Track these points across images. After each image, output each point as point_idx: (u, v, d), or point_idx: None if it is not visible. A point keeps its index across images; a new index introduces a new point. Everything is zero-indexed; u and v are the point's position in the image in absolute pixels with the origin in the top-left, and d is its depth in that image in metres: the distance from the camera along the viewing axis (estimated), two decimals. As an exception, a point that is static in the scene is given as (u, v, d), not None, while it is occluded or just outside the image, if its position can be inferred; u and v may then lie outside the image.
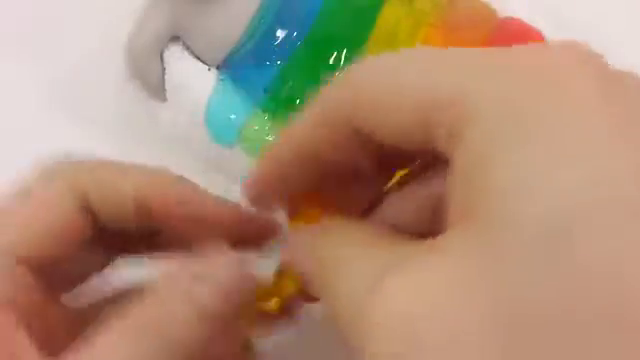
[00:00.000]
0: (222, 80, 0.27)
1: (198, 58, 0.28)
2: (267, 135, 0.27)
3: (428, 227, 0.17)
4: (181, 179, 0.20)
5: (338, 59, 0.27)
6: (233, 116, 0.27)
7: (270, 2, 0.27)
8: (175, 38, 0.27)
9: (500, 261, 0.12)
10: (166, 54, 0.27)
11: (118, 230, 0.19)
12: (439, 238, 0.14)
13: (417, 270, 0.14)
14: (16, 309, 0.17)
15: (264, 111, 0.27)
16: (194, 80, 0.27)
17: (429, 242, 0.14)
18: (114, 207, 0.18)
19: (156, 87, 0.28)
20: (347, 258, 0.16)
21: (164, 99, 0.28)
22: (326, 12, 0.28)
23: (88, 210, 0.18)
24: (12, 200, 0.19)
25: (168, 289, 0.17)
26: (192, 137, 0.28)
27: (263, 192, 0.19)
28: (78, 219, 0.18)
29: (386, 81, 0.15)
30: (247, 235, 0.20)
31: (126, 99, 0.30)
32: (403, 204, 0.18)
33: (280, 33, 0.27)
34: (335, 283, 0.16)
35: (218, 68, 0.28)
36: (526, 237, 0.12)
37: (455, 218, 0.14)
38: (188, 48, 0.28)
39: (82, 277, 0.20)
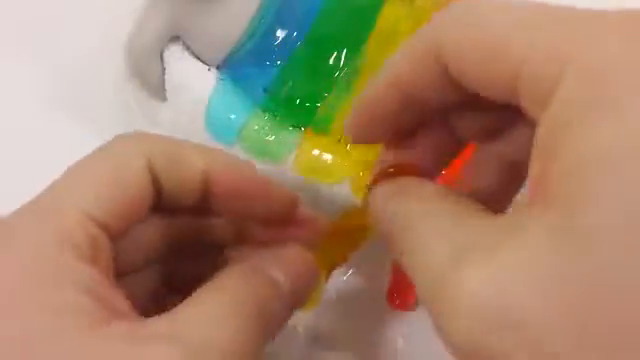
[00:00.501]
0: (222, 80, 0.27)
1: (198, 58, 0.28)
2: (267, 135, 0.27)
3: (506, 189, 0.17)
4: (247, 163, 0.20)
5: (338, 59, 0.27)
6: (233, 116, 0.27)
7: (270, 2, 0.27)
8: (175, 38, 0.27)
9: (586, 250, 0.12)
10: (166, 54, 0.27)
11: (174, 208, 0.19)
12: (521, 216, 0.14)
13: (499, 252, 0.13)
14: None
15: (264, 111, 0.27)
16: (194, 80, 0.27)
17: (511, 220, 0.14)
18: (181, 180, 0.19)
19: (156, 87, 0.28)
20: (428, 228, 0.15)
21: (164, 99, 0.28)
22: (326, 12, 0.28)
23: (156, 181, 0.19)
24: (92, 158, 0.19)
25: (253, 273, 0.18)
26: (192, 137, 0.28)
27: (363, 128, 0.19)
28: (148, 189, 0.18)
29: (480, 27, 0.15)
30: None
31: (126, 99, 0.31)
32: (483, 165, 0.18)
33: (280, 33, 0.27)
34: (416, 251, 0.15)
35: (218, 68, 0.28)
36: (615, 223, 0.12)
37: (536, 194, 0.13)
38: (188, 48, 0.28)
39: (135, 264, 0.20)
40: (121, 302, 0.17)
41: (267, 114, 0.27)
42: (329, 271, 0.27)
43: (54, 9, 0.34)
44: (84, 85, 0.33)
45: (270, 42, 0.27)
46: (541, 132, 0.13)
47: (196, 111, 0.27)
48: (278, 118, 0.27)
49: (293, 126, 0.27)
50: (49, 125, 0.32)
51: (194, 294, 0.18)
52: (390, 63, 0.18)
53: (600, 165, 0.12)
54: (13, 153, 0.32)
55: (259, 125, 0.27)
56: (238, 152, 0.27)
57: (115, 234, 0.18)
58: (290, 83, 0.27)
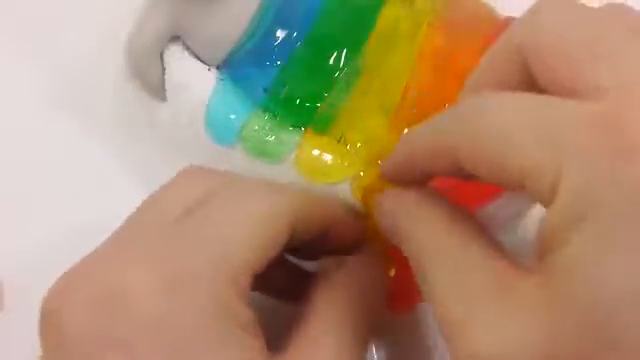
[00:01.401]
0: (222, 80, 0.27)
1: (198, 58, 0.28)
2: (267, 135, 0.27)
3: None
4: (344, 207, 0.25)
5: (338, 59, 0.27)
6: (233, 116, 0.27)
7: (270, 2, 0.27)
8: (175, 38, 0.27)
9: (580, 334, 0.14)
10: (166, 54, 0.27)
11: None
12: (525, 279, 0.16)
13: (501, 316, 0.15)
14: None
15: (264, 111, 0.27)
16: (194, 80, 0.27)
17: (511, 283, 0.16)
18: (307, 228, 0.22)
19: (156, 87, 0.28)
20: (443, 277, 0.18)
21: (164, 99, 0.28)
22: (326, 12, 0.28)
23: (290, 238, 0.21)
24: (258, 209, 0.21)
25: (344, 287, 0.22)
26: (192, 137, 0.28)
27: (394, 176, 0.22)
28: (286, 239, 0.21)
29: (500, 138, 0.16)
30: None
31: (126, 99, 0.31)
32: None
33: (280, 33, 0.27)
34: (432, 297, 0.18)
35: (218, 68, 0.28)
36: (585, 318, 0.14)
37: (539, 263, 0.15)
38: (188, 48, 0.28)
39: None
40: (263, 338, 0.20)
41: (267, 114, 0.27)
42: None
43: (54, 9, 0.34)
44: (84, 85, 0.33)
45: (270, 42, 0.27)
46: (545, 225, 0.15)
47: (196, 111, 0.27)
48: (278, 118, 0.27)
49: (293, 126, 0.27)
50: (49, 125, 0.32)
51: (307, 328, 0.21)
52: (406, 143, 0.21)
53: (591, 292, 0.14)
54: (13, 153, 0.32)
55: (259, 125, 0.27)
56: (238, 152, 0.27)
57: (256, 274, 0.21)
58: (290, 83, 0.27)
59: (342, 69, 0.27)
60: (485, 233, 0.18)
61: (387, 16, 0.28)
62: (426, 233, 0.19)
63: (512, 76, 0.18)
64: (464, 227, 0.18)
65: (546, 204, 0.15)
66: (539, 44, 0.17)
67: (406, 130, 0.27)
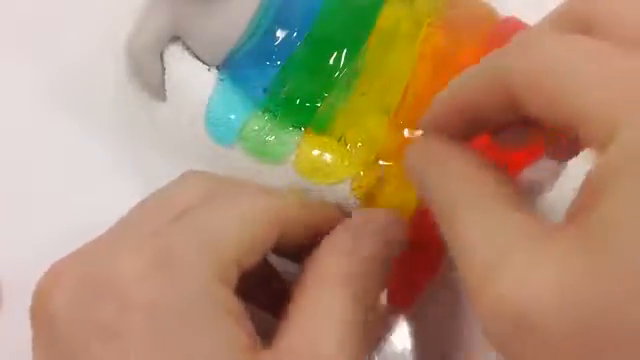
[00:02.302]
0: (222, 80, 0.27)
1: (198, 58, 0.28)
2: (267, 135, 0.27)
3: None
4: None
5: (338, 59, 0.27)
6: (233, 116, 0.27)
7: (270, 2, 0.27)
8: (175, 38, 0.27)
9: (613, 275, 0.13)
10: (166, 54, 0.27)
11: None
12: (560, 230, 0.15)
13: (533, 261, 0.15)
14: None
15: (264, 111, 0.27)
16: (194, 80, 0.27)
17: (546, 231, 0.15)
18: (297, 232, 0.22)
19: (156, 87, 0.28)
20: (474, 228, 0.17)
21: (164, 99, 0.28)
22: (326, 12, 0.28)
23: (283, 231, 0.22)
24: (250, 203, 0.22)
25: (345, 251, 0.21)
26: (192, 137, 0.28)
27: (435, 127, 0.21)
28: (274, 241, 0.22)
29: (546, 64, 0.16)
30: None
31: (126, 99, 0.31)
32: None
33: (280, 33, 0.27)
34: (462, 249, 0.17)
35: (218, 68, 0.28)
36: (625, 270, 0.13)
37: (577, 217, 0.15)
38: (188, 48, 0.28)
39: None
40: (253, 330, 0.20)
41: (267, 114, 0.27)
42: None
43: (54, 9, 0.34)
44: (84, 85, 0.33)
45: (270, 42, 0.27)
46: (594, 173, 0.15)
47: (196, 111, 0.27)
48: (278, 118, 0.27)
49: (293, 126, 0.27)
50: (49, 125, 0.32)
51: (301, 306, 0.20)
52: (455, 86, 0.19)
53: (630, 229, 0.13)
54: (13, 153, 0.32)
55: (259, 125, 0.27)
56: (238, 152, 0.27)
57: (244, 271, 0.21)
58: (290, 83, 0.27)
59: (342, 69, 0.27)
60: (516, 186, 0.18)
61: (387, 16, 0.28)
62: (457, 182, 0.18)
63: (492, 101, 0.18)
64: (496, 178, 0.18)
65: (599, 149, 0.14)
66: (531, 69, 0.16)
67: (406, 130, 0.27)
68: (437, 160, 0.19)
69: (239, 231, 0.21)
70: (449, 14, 0.28)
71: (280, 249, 0.22)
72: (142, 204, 0.23)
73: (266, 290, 0.24)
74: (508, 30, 0.28)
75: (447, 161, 0.19)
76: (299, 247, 0.23)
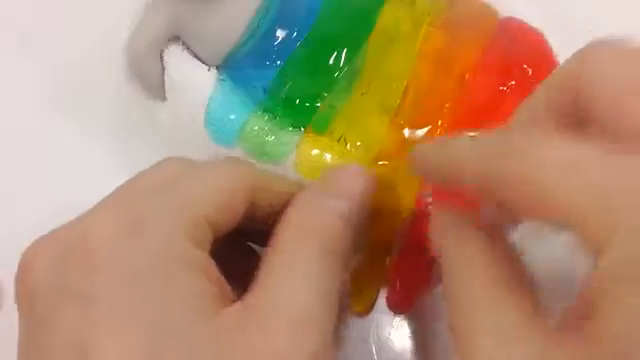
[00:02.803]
0: (222, 80, 0.27)
1: (198, 58, 0.28)
2: (267, 135, 0.27)
3: None
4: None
5: (338, 59, 0.27)
6: (233, 116, 0.27)
7: (270, 2, 0.27)
8: (175, 38, 0.27)
9: None
10: (166, 54, 0.27)
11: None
12: (563, 339, 0.15)
13: None
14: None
15: (264, 111, 0.27)
16: (194, 80, 0.27)
17: (551, 337, 0.16)
18: (267, 201, 0.23)
19: (156, 87, 0.28)
20: (476, 317, 0.17)
21: (164, 99, 0.28)
22: (326, 12, 0.28)
23: (248, 207, 0.22)
24: (215, 170, 0.23)
25: (312, 206, 0.22)
26: (192, 137, 0.28)
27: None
28: (243, 212, 0.22)
29: (559, 186, 0.16)
30: None
31: (126, 99, 0.31)
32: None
33: (280, 33, 0.27)
34: (463, 332, 0.17)
35: (218, 68, 0.28)
36: None
37: (578, 324, 0.15)
38: (188, 48, 0.28)
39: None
40: (225, 284, 0.20)
41: (267, 114, 0.27)
42: (377, 289, 0.28)
43: (54, 9, 0.34)
44: (84, 85, 0.33)
45: (270, 42, 0.27)
46: (593, 278, 0.15)
47: (196, 111, 0.27)
48: (278, 118, 0.27)
49: (293, 126, 0.27)
50: (49, 125, 0.32)
51: (270, 262, 0.20)
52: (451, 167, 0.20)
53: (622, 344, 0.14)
54: (13, 153, 0.32)
55: (259, 125, 0.27)
56: (238, 152, 0.27)
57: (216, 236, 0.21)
58: (290, 83, 0.27)
59: (342, 69, 0.27)
60: (525, 283, 0.18)
61: (387, 16, 0.28)
62: (468, 278, 0.18)
63: (564, 106, 0.19)
64: (507, 278, 0.18)
65: (596, 253, 0.15)
66: (593, 75, 0.17)
67: (406, 130, 0.27)
68: (454, 242, 0.19)
69: (209, 192, 0.21)
70: (449, 14, 0.28)
71: (251, 225, 0.23)
72: (122, 184, 0.23)
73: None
74: (508, 30, 0.28)
75: (462, 247, 0.19)
76: (269, 227, 0.22)
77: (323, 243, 0.20)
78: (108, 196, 0.22)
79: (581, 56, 0.19)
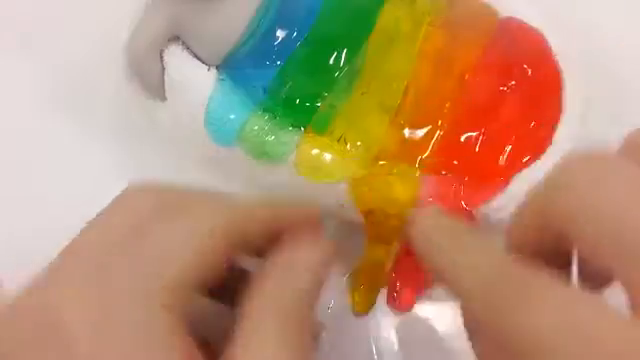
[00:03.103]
0: (222, 80, 0.27)
1: (198, 58, 0.28)
2: (267, 135, 0.27)
3: None
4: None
5: (338, 59, 0.27)
6: (233, 116, 0.27)
7: (270, 2, 0.27)
8: (175, 38, 0.27)
9: None
10: (166, 54, 0.27)
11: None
12: None
13: None
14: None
15: (264, 111, 0.27)
16: (194, 80, 0.27)
17: None
18: (253, 236, 0.22)
19: (156, 87, 0.28)
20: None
21: (164, 99, 0.28)
22: (326, 12, 0.28)
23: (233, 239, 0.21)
24: (185, 222, 0.21)
25: (273, 281, 0.21)
26: (192, 137, 0.28)
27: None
28: (227, 246, 0.21)
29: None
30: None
31: (126, 99, 0.31)
32: None
33: (280, 33, 0.27)
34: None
35: (218, 68, 0.28)
36: None
37: None
38: (188, 48, 0.28)
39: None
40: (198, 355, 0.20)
41: (267, 114, 0.27)
42: (377, 290, 0.29)
43: (54, 9, 0.34)
44: (84, 85, 0.33)
45: (270, 42, 0.27)
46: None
47: (196, 111, 0.27)
48: (278, 118, 0.27)
49: (293, 126, 0.27)
50: (49, 125, 0.32)
51: (241, 334, 0.20)
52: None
53: None
54: (13, 153, 0.32)
55: (259, 125, 0.27)
56: (238, 152, 0.27)
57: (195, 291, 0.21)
58: (290, 83, 0.27)
59: (342, 69, 0.27)
60: None
61: (387, 16, 0.28)
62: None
63: (544, 243, 0.18)
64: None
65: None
66: (575, 214, 0.16)
67: (406, 130, 0.27)
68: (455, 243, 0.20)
69: (184, 241, 0.20)
70: (449, 14, 0.28)
71: (247, 248, 0.22)
72: (87, 229, 0.22)
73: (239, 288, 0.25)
74: (508, 30, 0.28)
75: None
76: (263, 247, 0.22)
77: (287, 313, 0.20)
78: (71, 251, 0.22)
79: (553, 188, 0.17)
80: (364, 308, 0.28)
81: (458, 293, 0.18)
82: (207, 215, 0.21)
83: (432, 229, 0.20)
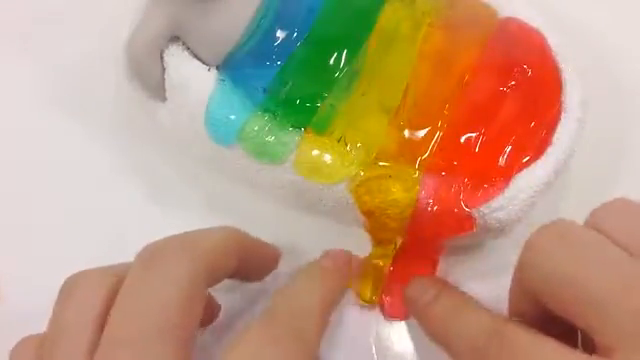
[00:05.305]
0: (222, 80, 0.27)
1: (198, 58, 0.28)
2: (267, 135, 0.27)
3: None
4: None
5: (338, 59, 0.27)
6: (233, 116, 0.27)
7: (270, 2, 0.27)
8: (175, 38, 0.27)
9: None
10: (166, 54, 0.27)
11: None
12: None
13: None
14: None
15: (264, 111, 0.27)
16: (194, 80, 0.27)
17: None
18: (222, 272, 0.24)
19: (156, 87, 0.28)
20: None
21: (164, 99, 0.28)
22: (326, 12, 0.28)
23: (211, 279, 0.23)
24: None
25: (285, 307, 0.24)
26: (192, 137, 0.28)
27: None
28: (204, 292, 0.23)
29: None
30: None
31: (126, 99, 0.31)
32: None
33: (280, 33, 0.27)
34: None
35: (218, 68, 0.28)
36: None
37: None
38: (188, 48, 0.28)
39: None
40: None
41: (267, 114, 0.27)
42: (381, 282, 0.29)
43: (54, 9, 0.34)
44: (84, 85, 0.33)
45: (270, 42, 0.27)
46: None
47: (196, 111, 0.27)
48: (278, 118, 0.27)
49: (293, 126, 0.27)
50: (49, 125, 0.32)
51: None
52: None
53: None
54: (13, 153, 0.32)
55: (259, 125, 0.27)
56: (238, 152, 0.27)
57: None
58: (290, 83, 0.27)
59: (342, 69, 0.27)
60: None
61: (387, 16, 0.28)
62: None
63: (533, 311, 0.21)
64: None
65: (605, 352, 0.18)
66: (539, 283, 0.20)
67: (406, 131, 0.27)
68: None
69: (212, 243, 0.23)
70: (449, 14, 0.28)
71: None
72: (53, 333, 0.21)
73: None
74: (508, 30, 0.28)
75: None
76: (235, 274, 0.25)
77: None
78: None
79: (527, 266, 0.21)
80: (369, 298, 0.29)
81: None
82: (223, 234, 0.24)
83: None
